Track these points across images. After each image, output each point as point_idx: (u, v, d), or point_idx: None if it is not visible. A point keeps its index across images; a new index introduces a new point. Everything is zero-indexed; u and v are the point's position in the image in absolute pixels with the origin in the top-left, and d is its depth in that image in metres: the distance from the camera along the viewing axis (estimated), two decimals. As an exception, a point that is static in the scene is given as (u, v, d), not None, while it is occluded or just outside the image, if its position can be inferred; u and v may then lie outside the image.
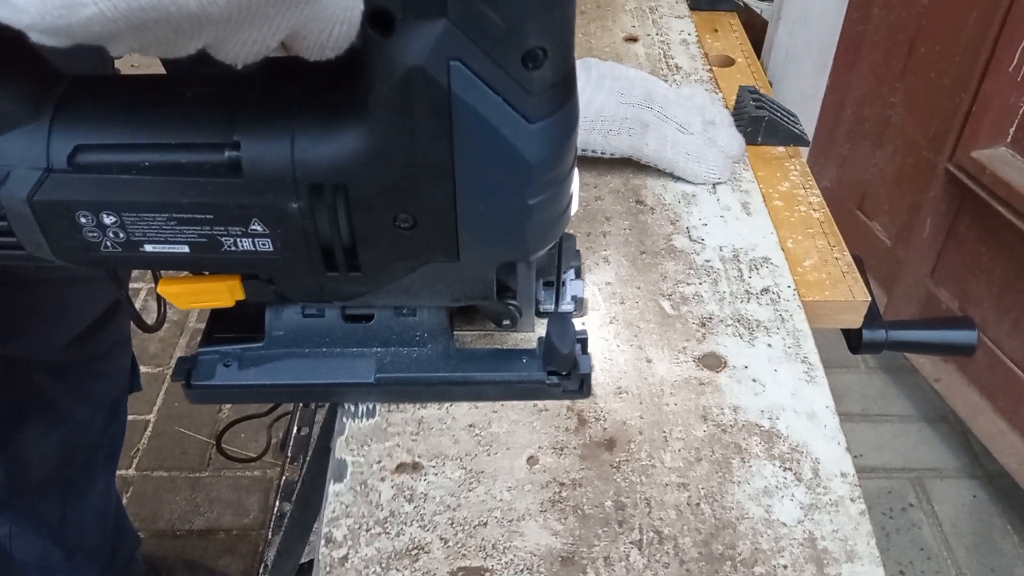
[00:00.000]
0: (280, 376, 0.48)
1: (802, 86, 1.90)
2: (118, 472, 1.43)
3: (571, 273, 0.54)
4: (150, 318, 0.54)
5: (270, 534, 1.37)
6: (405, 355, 0.49)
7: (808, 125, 1.75)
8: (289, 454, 1.49)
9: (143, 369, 1.63)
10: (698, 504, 0.44)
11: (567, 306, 0.53)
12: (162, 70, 0.54)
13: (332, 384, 0.48)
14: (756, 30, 2.20)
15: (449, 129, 0.35)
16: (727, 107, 0.74)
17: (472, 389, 0.49)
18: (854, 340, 0.61)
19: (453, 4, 0.31)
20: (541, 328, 0.52)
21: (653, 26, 0.88)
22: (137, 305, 1.74)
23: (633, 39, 0.86)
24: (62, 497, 0.89)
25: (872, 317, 0.60)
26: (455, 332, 0.51)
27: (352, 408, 0.49)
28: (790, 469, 0.46)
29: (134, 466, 1.49)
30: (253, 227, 0.39)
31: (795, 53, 1.95)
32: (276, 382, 0.48)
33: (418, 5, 0.32)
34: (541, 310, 0.53)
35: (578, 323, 0.53)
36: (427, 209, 0.39)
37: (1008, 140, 1.30)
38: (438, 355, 0.49)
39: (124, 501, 1.42)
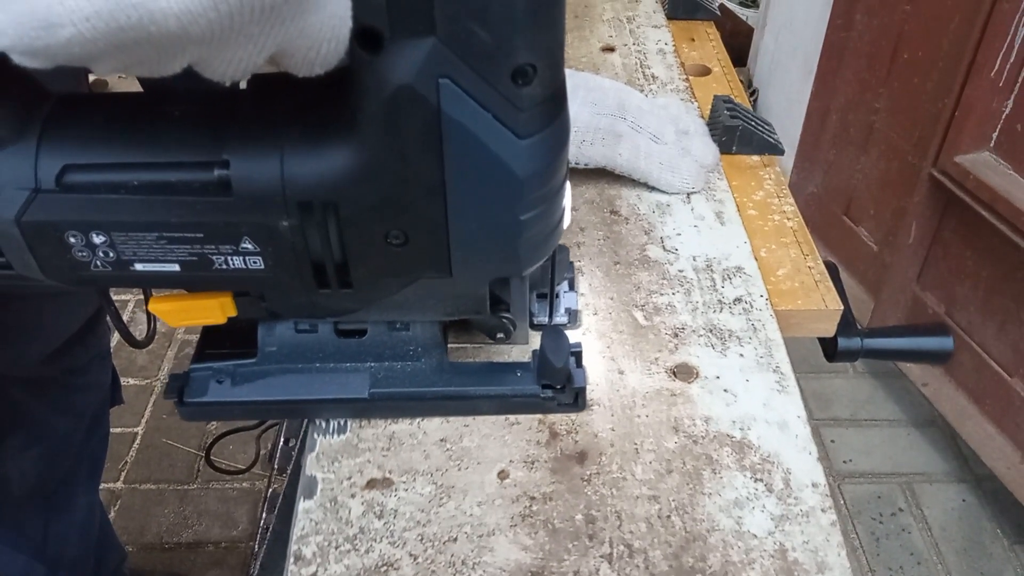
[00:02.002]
0: (273, 392, 0.48)
1: (788, 92, 1.90)
2: (106, 485, 1.43)
3: (565, 285, 0.54)
4: (138, 331, 0.53)
5: (258, 547, 1.37)
6: (399, 370, 0.48)
7: (794, 131, 1.76)
8: (276, 466, 1.48)
9: (131, 381, 1.63)
10: (669, 516, 0.44)
11: (561, 318, 0.53)
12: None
13: (326, 400, 0.48)
14: (742, 37, 2.21)
15: (439, 146, 0.35)
16: (703, 117, 0.74)
17: (466, 404, 0.49)
18: (830, 348, 0.61)
19: (441, 22, 0.31)
20: (536, 340, 0.51)
21: (630, 36, 0.88)
22: (124, 318, 1.73)
23: (610, 49, 0.86)
24: (44, 511, 0.89)
25: (847, 325, 0.60)
26: (449, 345, 0.51)
27: (323, 424, 0.49)
28: (761, 480, 0.46)
29: (122, 479, 1.48)
30: (244, 245, 0.38)
31: (781, 59, 1.96)
32: (269, 398, 0.48)
33: (406, 23, 0.31)
34: (535, 322, 0.52)
35: (574, 335, 0.53)
36: (418, 226, 0.39)
37: (991, 145, 1.31)
38: (432, 369, 0.48)
39: (112, 514, 1.41)
